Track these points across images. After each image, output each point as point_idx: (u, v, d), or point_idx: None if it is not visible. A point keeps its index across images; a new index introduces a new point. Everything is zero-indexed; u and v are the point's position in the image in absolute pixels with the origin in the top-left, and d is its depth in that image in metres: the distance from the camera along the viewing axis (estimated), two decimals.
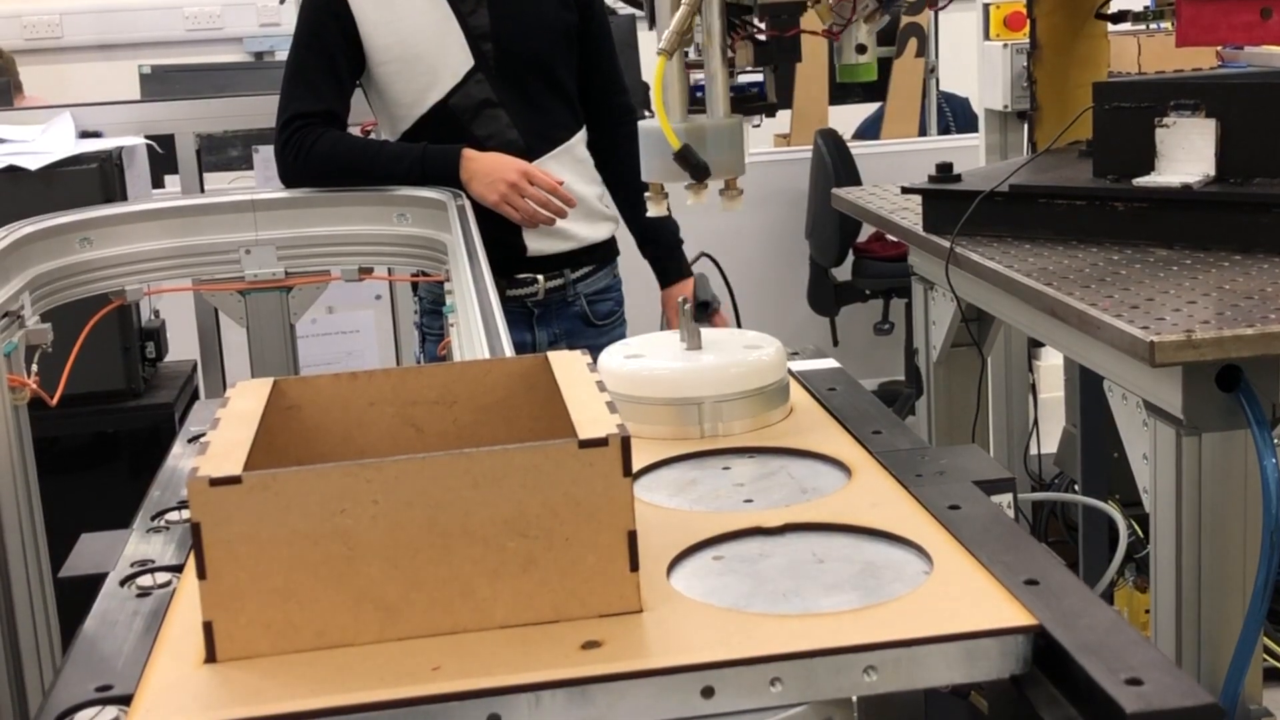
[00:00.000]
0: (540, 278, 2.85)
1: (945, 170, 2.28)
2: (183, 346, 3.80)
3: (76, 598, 1.14)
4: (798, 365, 1.58)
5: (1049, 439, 3.90)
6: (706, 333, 1.46)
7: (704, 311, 3.14)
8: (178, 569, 1.15)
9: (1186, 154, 2.09)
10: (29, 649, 1.46)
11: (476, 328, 2.01)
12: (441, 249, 3.16)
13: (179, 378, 3.65)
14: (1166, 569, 1.84)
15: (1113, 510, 1.58)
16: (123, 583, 1.13)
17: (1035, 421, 3.89)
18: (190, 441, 1.47)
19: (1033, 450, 3.93)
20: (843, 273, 5.34)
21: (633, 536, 1.02)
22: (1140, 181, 2.09)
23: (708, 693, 0.95)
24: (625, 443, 1.01)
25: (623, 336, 3.12)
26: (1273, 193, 2.00)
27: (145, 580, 1.13)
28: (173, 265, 3.22)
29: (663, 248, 3.05)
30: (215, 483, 0.97)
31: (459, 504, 0.99)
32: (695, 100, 1.56)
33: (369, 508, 0.99)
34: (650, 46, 1.55)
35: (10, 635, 1.43)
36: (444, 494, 0.99)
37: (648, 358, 1.43)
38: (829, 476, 1.28)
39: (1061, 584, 1.03)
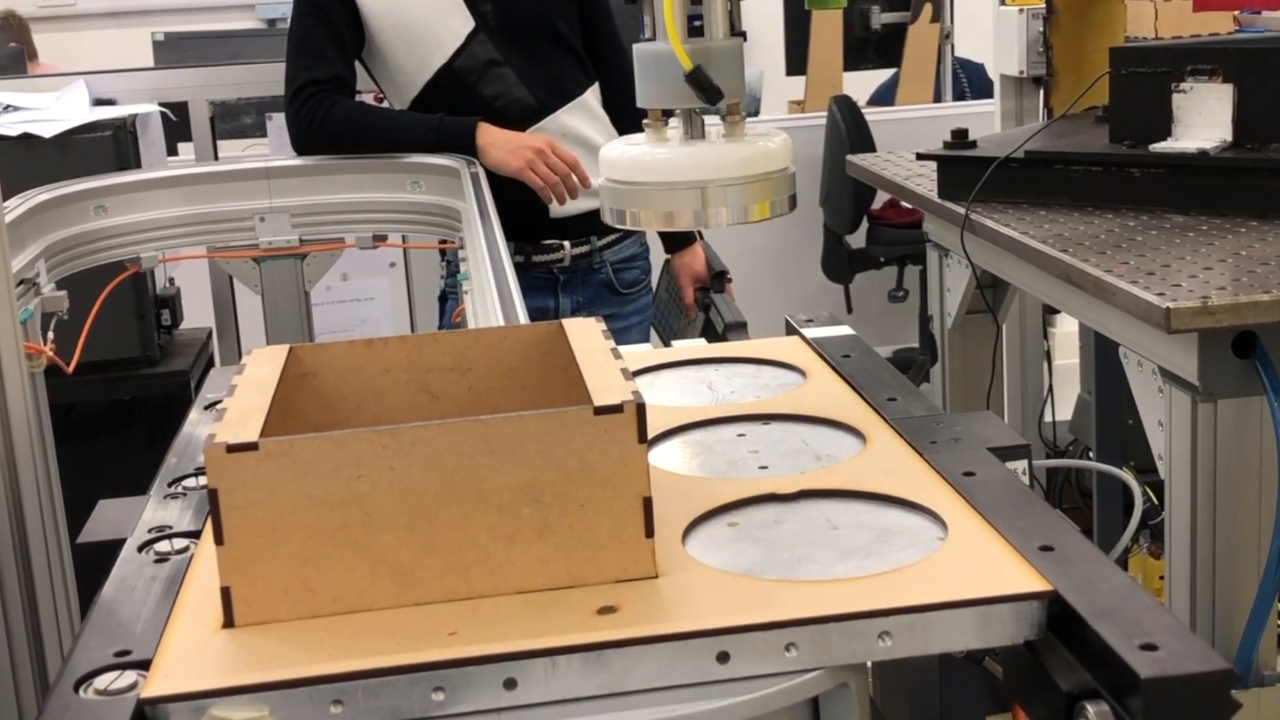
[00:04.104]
0: (567, 244, 2.85)
1: (960, 136, 2.27)
2: (198, 314, 3.81)
3: (94, 563, 1.15)
4: (812, 332, 1.58)
5: (1063, 406, 3.89)
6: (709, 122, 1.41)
7: (720, 281, 3.13)
8: (195, 535, 1.15)
9: (1203, 119, 2.08)
10: (47, 614, 1.47)
11: (491, 295, 2.01)
12: (455, 216, 3.16)
13: (194, 345, 3.66)
14: (1181, 535, 1.84)
15: (1127, 476, 1.58)
16: (140, 548, 1.14)
17: (1050, 388, 3.89)
18: (207, 408, 1.47)
19: (1047, 417, 3.93)
20: (857, 240, 5.33)
21: (648, 503, 1.02)
22: (1157, 147, 2.08)
23: (723, 658, 0.95)
24: (640, 409, 1.01)
25: (647, 306, 3.12)
26: None
27: (163, 546, 1.13)
28: (188, 233, 3.23)
29: None
30: (232, 449, 0.97)
31: (474, 470, 1.00)
32: None
33: (385, 474, 0.99)
34: None
35: (30, 600, 1.44)
36: (460, 460, 0.99)
37: (649, 144, 1.38)
38: (843, 443, 1.28)
39: (1076, 550, 1.03)
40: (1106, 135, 2.18)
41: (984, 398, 2.54)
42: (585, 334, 1.19)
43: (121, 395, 3.45)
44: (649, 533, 1.02)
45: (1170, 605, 1.89)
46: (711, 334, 3.08)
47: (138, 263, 3.19)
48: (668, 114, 1.38)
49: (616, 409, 1.01)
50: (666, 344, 3.24)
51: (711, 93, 1.31)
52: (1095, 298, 1.82)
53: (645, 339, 3.17)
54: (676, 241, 3.10)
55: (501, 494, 1.00)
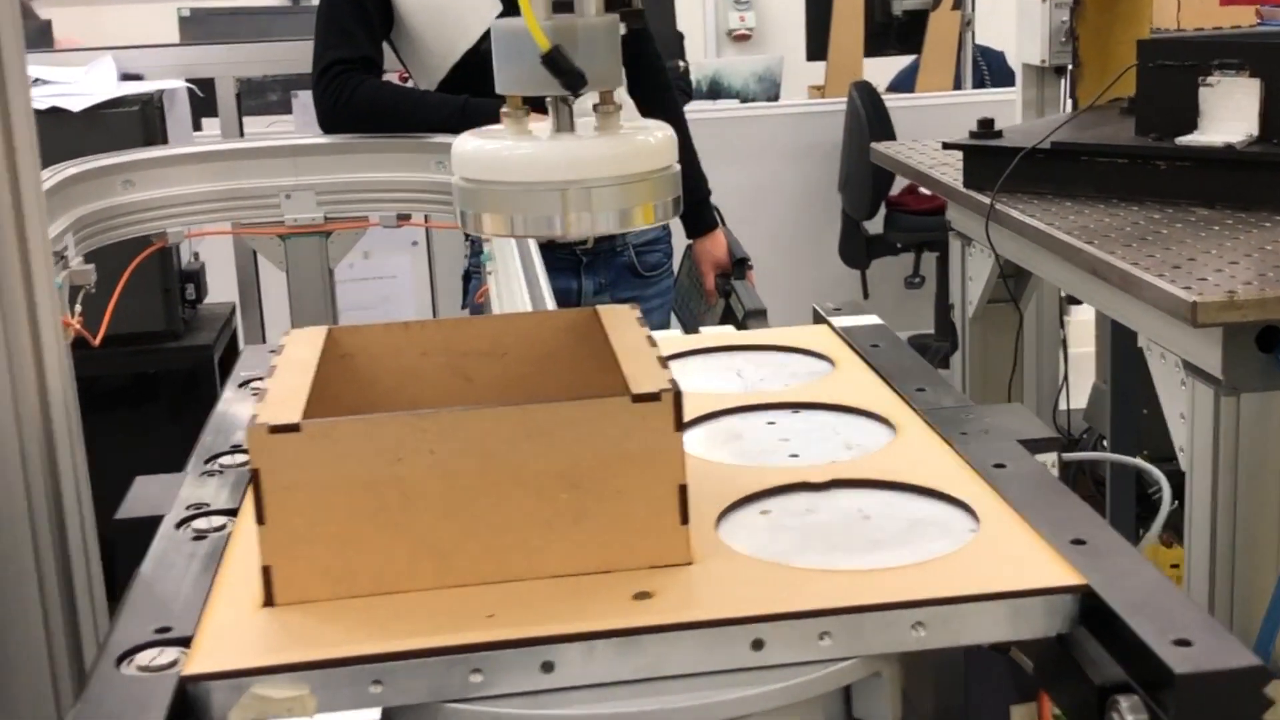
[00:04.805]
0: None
1: (986, 126, 2.28)
2: (222, 289, 3.83)
3: (131, 539, 1.16)
4: (840, 321, 1.58)
5: (1078, 394, 3.90)
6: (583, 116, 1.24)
7: (741, 268, 3.14)
8: (232, 513, 1.16)
9: (1230, 113, 2.09)
10: (81, 588, 1.49)
11: (517, 276, 2.02)
12: None
13: (218, 320, 3.69)
14: (1201, 527, 1.85)
15: (1156, 471, 1.58)
16: (178, 525, 1.15)
17: (1065, 377, 3.89)
18: (240, 386, 1.48)
19: (1062, 405, 3.94)
20: (874, 226, 5.34)
21: (683, 490, 1.03)
22: (1183, 140, 2.09)
23: (757, 645, 0.96)
24: (677, 398, 1.02)
25: (669, 290, 3.13)
26: None
27: (200, 523, 1.15)
28: (214, 208, 3.25)
29: (693, 196, 3.06)
30: (275, 430, 0.99)
31: (513, 456, 1.01)
32: None
33: (425, 457, 1.00)
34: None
35: (65, 576, 1.45)
36: (499, 445, 1.00)
37: (505, 138, 1.21)
38: (874, 433, 1.29)
39: (1108, 544, 1.04)
40: (1132, 127, 2.19)
41: (1004, 386, 2.54)
42: (621, 321, 1.20)
43: (145, 369, 3.48)
44: (684, 519, 1.03)
45: (1188, 595, 1.90)
46: (731, 320, 3.09)
47: (164, 237, 3.20)
48: (532, 102, 1.22)
49: (654, 397, 1.02)
50: (687, 329, 3.27)
51: (571, 78, 1.16)
52: (1121, 290, 1.83)
53: (666, 322, 3.19)
54: (699, 227, 3.11)
55: (540, 479, 1.01)
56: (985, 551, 1.04)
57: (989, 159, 2.21)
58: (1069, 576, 0.99)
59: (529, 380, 1.24)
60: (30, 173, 1.46)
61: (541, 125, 1.22)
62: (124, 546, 1.16)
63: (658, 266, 3.09)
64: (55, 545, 1.44)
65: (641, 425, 1.02)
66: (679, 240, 3.19)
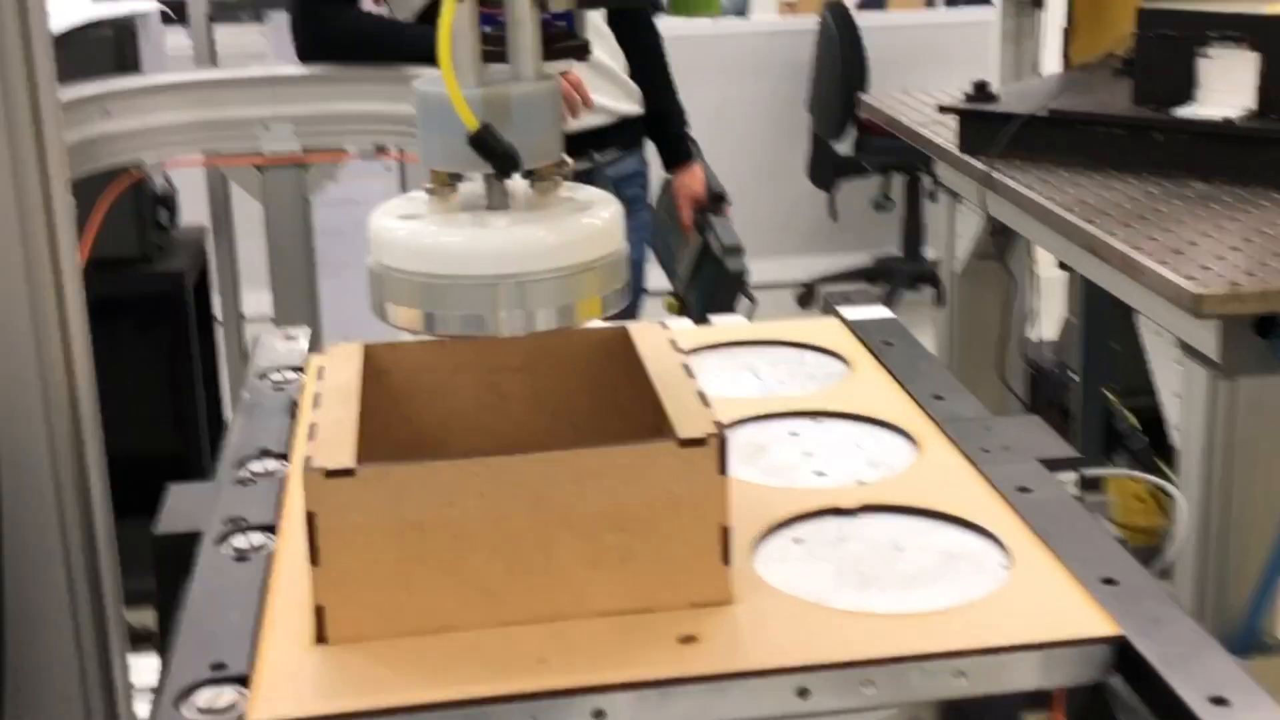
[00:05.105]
0: (568, 160, 2.83)
1: (981, 89, 2.28)
2: (192, 212, 3.81)
3: (171, 554, 1.18)
4: (851, 313, 1.60)
5: (1048, 320, 3.91)
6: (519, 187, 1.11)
7: (719, 203, 3.14)
8: (269, 528, 1.17)
9: (1227, 86, 2.10)
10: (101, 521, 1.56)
11: None
12: None
13: (190, 245, 3.67)
14: (1192, 505, 1.89)
15: (1174, 485, 1.61)
16: (217, 542, 1.16)
17: (1033, 310, 3.92)
18: (260, 378, 1.48)
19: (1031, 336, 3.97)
20: (843, 147, 5.33)
21: (726, 531, 1.05)
22: (1181, 112, 2.10)
23: (803, 693, 0.98)
24: (722, 442, 1.03)
25: (646, 224, 3.12)
26: None
27: (240, 541, 1.15)
28: (191, 138, 3.22)
29: (671, 128, 3.05)
30: (331, 474, 0.99)
31: (562, 499, 1.02)
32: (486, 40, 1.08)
33: (476, 500, 1.01)
34: None
35: (85, 508, 1.51)
36: (548, 489, 1.02)
37: (427, 219, 1.08)
38: (897, 448, 1.31)
39: (1138, 585, 1.07)
40: (1126, 90, 2.19)
41: (989, 341, 2.57)
42: (654, 342, 1.21)
43: (118, 294, 3.45)
44: (726, 560, 1.05)
45: (1176, 573, 1.94)
46: (708, 256, 3.10)
47: (141, 167, 3.18)
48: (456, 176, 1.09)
49: (700, 442, 1.03)
50: (663, 263, 3.27)
51: (503, 161, 1.03)
52: (1121, 272, 1.85)
53: (642, 256, 3.18)
54: (676, 160, 3.11)
55: (587, 522, 1.03)
56: (1021, 594, 1.06)
57: (985, 124, 2.22)
58: (1104, 625, 1.02)
59: (560, 396, 1.26)
60: (49, 98, 1.50)
61: (470, 190, 1.10)
62: (166, 563, 1.17)
63: (635, 200, 3.08)
64: (75, 473, 1.51)
65: (687, 469, 1.03)
66: (656, 174, 3.18)
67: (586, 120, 2.77)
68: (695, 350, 1.53)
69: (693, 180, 3.11)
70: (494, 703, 0.96)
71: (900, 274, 5.57)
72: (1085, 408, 4.00)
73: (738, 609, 1.05)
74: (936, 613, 1.04)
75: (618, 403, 1.24)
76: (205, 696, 0.97)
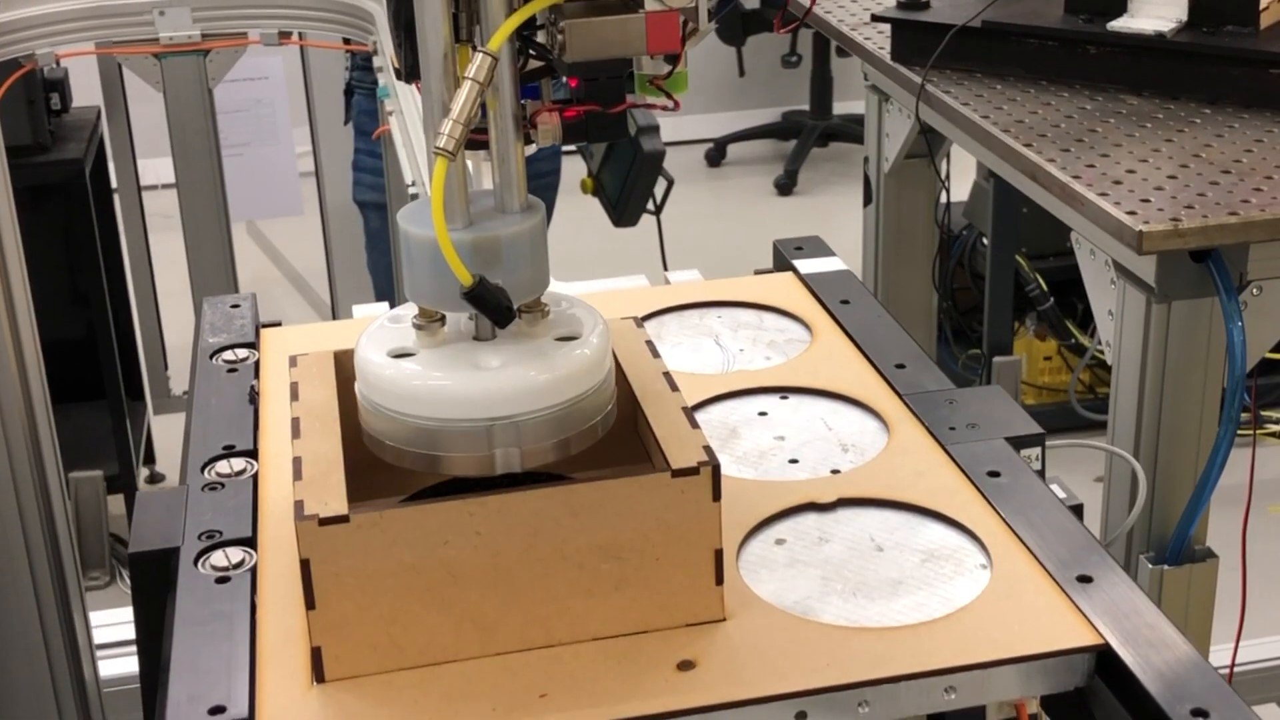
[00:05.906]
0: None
1: None
2: (82, 94, 3.71)
3: (147, 570, 1.17)
4: (804, 266, 1.60)
5: (958, 183, 3.93)
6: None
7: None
8: (246, 542, 1.17)
9: None
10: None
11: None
12: (368, 19, 3.08)
13: (84, 128, 3.61)
14: (1126, 423, 1.93)
15: (1132, 461, 1.64)
16: (195, 560, 1.15)
17: (947, 174, 3.94)
18: (211, 357, 1.46)
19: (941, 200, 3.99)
20: (750, 0, 5.27)
21: (719, 554, 1.06)
22: (1114, 25, 2.10)
23: (801, 716, 1.01)
24: (715, 470, 1.04)
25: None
26: (1241, 46, 2.02)
27: (218, 558, 1.15)
28: (84, 27, 3.13)
29: None
30: (324, 522, 0.99)
31: (557, 531, 1.03)
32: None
33: (471, 538, 1.02)
34: None
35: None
36: (542, 523, 1.02)
37: (419, 359, 1.07)
38: (866, 428, 1.33)
39: (1111, 581, 1.10)
40: (1062, 3, 2.18)
41: (916, 242, 2.59)
42: (631, 345, 1.20)
43: (15, 184, 3.36)
44: (719, 580, 1.07)
45: (1109, 483, 2.00)
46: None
47: (33, 59, 3.09)
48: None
49: (693, 471, 1.04)
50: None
51: (499, 314, 1.03)
52: (1061, 201, 1.86)
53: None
54: None
55: (582, 552, 1.04)
56: (1003, 601, 1.09)
57: (917, 34, 2.21)
58: (1087, 635, 1.05)
59: None
60: None
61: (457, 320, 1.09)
62: (144, 581, 1.17)
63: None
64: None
65: (681, 498, 1.04)
66: None
67: None
68: (655, 314, 1.53)
69: None
70: None
71: (809, 129, 5.56)
72: (995, 272, 4.06)
73: (731, 628, 1.07)
74: (924, 625, 1.07)
75: None
76: None
